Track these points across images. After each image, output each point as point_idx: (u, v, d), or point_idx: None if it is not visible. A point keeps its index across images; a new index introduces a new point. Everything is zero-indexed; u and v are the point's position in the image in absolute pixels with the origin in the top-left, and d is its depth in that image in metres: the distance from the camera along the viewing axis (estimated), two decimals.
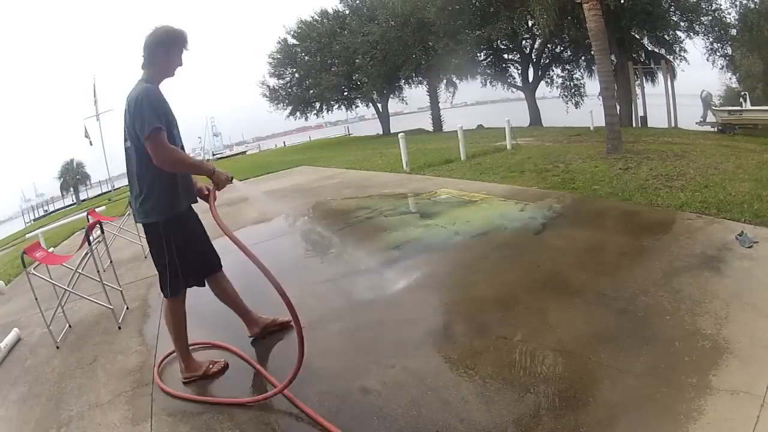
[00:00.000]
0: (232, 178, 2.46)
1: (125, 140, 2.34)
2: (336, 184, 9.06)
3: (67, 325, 3.64)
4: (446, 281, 3.40)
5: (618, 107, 11.05)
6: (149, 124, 2.16)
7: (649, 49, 19.86)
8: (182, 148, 2.41)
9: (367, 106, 34.13)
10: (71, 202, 39.35)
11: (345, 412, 2.09)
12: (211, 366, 2.60)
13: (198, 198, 2.58)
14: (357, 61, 26.72)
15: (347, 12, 29.69)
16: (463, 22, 20.18)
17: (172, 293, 2.48)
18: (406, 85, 29.45)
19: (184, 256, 2.45)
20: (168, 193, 2.35)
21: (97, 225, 4.07)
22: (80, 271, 3.75)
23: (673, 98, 17.69)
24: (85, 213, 6.45)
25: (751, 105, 14.72)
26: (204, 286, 2.69)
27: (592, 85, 21.59)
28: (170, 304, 2.53)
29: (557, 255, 3.53)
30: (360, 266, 3.92)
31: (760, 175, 5.22)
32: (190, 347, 2.66)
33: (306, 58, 30.19)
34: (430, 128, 28.54)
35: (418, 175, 8.43)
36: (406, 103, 32.14)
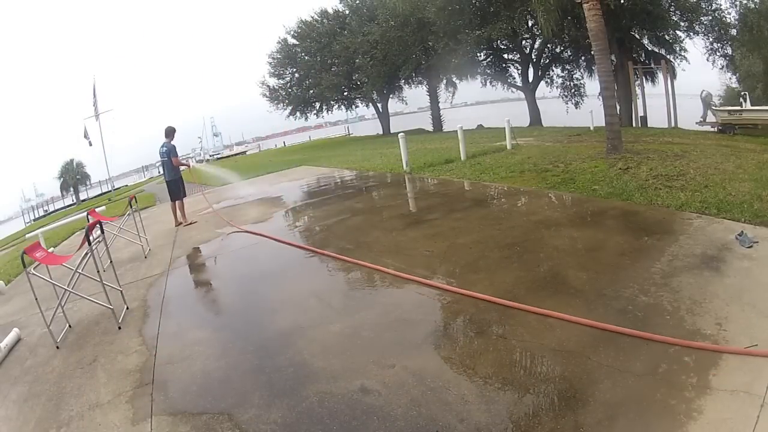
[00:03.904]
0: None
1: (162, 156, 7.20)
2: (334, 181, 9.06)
3: (67, 325, 3.64)
4: None
5: (618, 107, 11.03)
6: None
7: (649, 49, 19.83)
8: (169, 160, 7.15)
9: (367, 106, 34.13)
10: (71, 202, 39.29)
11: (345, 412, 2.10)
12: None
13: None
14: (357, 61, 26.72)
15: (347, 12, 29.67)
16: (463, 22, 20.16)
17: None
18: (406, 85, 29.45)
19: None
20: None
21: (97, 225, 4.07)
22: (80, 271, 3.75)
23: (673, 98, 17.66)
24: (85, 213, 6.45)
25: (751, 105, 14.69)
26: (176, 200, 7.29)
27: (592, 85, 21.59)
28: (176, 204, 7.31)
29: (557, 254, 3.53)
30: None
31: (760, 175, 5.21)
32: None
33: (306, 58, 30.17)
34: (430, 128, 28.54)
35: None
36: (406, 103, 32.14)
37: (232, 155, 44.18)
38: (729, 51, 18.19)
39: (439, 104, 28.46)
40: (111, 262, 4.10)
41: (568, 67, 23.58)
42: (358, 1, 29.09)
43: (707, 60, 18.36)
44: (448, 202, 5.97)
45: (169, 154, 6.99)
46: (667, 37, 18.64)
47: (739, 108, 14.32)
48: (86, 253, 3.74)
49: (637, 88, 18.30)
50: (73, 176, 41.30)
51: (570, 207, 4.98)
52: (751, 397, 1.80)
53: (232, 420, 2.17)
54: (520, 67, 24.49)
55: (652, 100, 18.90)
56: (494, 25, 19.18)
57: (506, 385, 2.10)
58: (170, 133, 7.08)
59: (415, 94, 31.90)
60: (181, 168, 7.60)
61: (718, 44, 18.05)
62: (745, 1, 16.56)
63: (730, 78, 20.94)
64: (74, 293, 3.62)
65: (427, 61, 24.42)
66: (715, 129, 14.64)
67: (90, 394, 2.63)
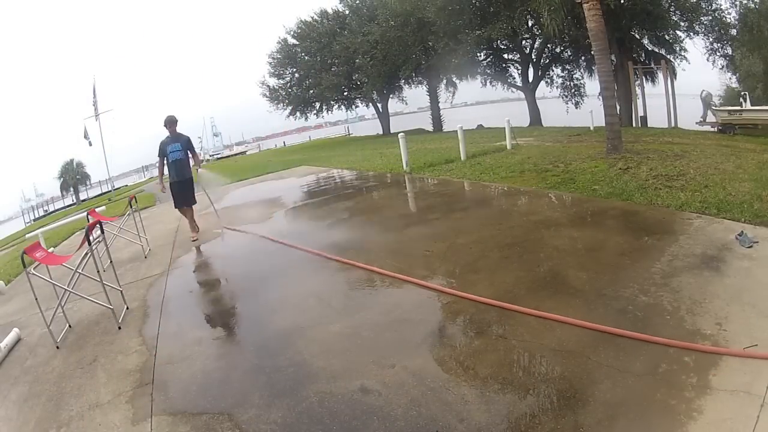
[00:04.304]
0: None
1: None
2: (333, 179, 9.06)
3: (67, 325, 3.64)
4: None
5: (618, 107, 11.04)
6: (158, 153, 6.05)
7: (649, 49, 19.84)
8: (176, 160, 5.93)
9: (367, 106, 34.15)
10: (71, 202, 39.30)
11: (345, 412, 2.10)
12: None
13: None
14: (357, 61, 26.74)
15: (347, 12, 29.68)
16: (463, 22, 20.17)
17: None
18: (406, 85, 29.47)
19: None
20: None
21: (97, 225, 4.07)
22: (80, 271, 3.75)
23: (673, 98, 17.66)
24: (85, 213, 6.45)
25: (751, 105, 14.70)
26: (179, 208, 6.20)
27: (592, 85, 21.61)
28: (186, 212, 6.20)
29: (557, 254, 3.53)
30: None
31: (760, 175, 5.21)
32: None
33: (306, 58, 30.18)
34: (430, 128, 28.56)
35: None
36: (406, 103, 32.16)
37: (232, 155, 44.24)
38: (729, 51, 18.20)
39: (439, 104, 28.48)
40: (111, 262, 4.09)
41: (568, 67, 23.60)
42: (358, 1, 29.09)
43: (707, 60, 18.38)
44: (448, 202, 5.97)
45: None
46: (667, 37, 18.65)
47: (739, 108, 14.32)
48: (86, 253, 3.74)
49: (637, 88, 18.30)
50: (73, 176, 41.30)
51: (570, 207, 4.98)
52: (751, 397, 1.79)
53: (232, 420, 2.17)
54: (520, 67, 24.50)
55: (652, 100, 18.91)
56: (494, 25, 19.20)
57: (506, 385, 2.10)
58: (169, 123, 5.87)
59: (415, 94, 31.94)
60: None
61: (718, 44, 18.06)
62: (745, 1, 16.56)
63: (730, 78, 20.97)
64: (74, 293, 3.62)
65: (427, 61, 24.43)
66: (715, 129, 14.64)
67: (90, 394, 2.63)
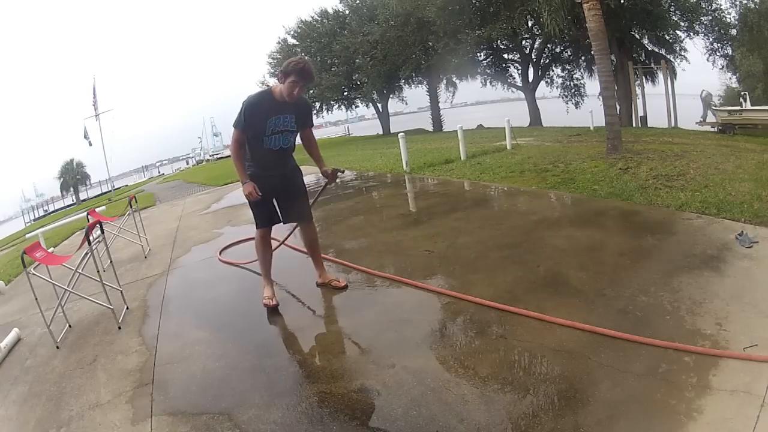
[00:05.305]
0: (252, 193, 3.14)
1: None
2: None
3: (67, 325, 3.64)
4: None
5: (618, 107, 11.06)
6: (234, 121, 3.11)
7: (649, 49, 19.87)
8: (279, 149, 3.24)
9: (367, 106, 34.18)
10: (71, 202, 39.36)
11: (345, 412, 2.10)
12: (271, 301, 3.32)
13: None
14: (357, 61, 26.82)
15: (347, 12, 29.73)
16: (463, 22, 20.22)
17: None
18: (406, 85, 29.53)
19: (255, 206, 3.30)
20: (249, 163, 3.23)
21: (97, 225, 4.07)
22: (80, 271, 3.74)
23: (673, 98, 17.70)
24: (85, 213, 6.45)
25: (751, 105, 14.72)
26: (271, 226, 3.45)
27: (592, 85, 21.67)
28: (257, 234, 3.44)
29: (557, 254, 3.53)
30: None
31: (760, 175, 5.21)
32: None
33: (306, 58, 30.20)
34: (430, 128, 28.60)
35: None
36: (406, 103, 32.26)
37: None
38: (729, 51, 18.25)
39: (439, 104, 28.53)
40: (111, 262, 4.09)
41: (568, 67, 23.67)
42: (358, 1, 29.13)
43: (707, 60, 18.45)
44: (448, 202, 5.97)
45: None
46: (667, 37, 18.70)
47: (739, 108, 14.36)
48: (86, 253, 3.74)
49: (637, 88, 18.34)
50: (73, 176, 41.40)
51: (570, 207, 4.98)
52: (751, 397, 1.79)
53: (231, 420, 2.17)
54: (520, 67, 24.56)
55: (652, 100, 18.95)
56: (494, 25, 19.25)
57: (506, 385, 2.10)
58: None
59: (415, 94, 32.02)
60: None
61: (718, 44, 18.11)
62: (745, 1, 16.59)
63: (730, 78, 21.06)
64: (74, 293, 3.62)
65: (427, 61, 24.46)
66: (715, 129, 14.68)
67: (90, 394, 2.63)
